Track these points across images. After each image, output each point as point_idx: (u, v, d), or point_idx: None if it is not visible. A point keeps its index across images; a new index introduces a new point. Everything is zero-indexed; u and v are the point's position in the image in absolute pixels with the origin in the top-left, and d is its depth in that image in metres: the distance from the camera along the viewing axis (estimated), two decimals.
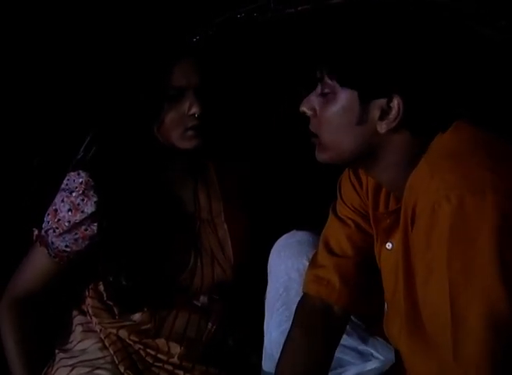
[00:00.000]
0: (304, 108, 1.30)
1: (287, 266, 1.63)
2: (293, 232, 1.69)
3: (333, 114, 1.25)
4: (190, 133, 1.60)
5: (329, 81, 1.25)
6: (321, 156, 1.30)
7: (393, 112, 1.21)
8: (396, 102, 1.20)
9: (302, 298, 1.51)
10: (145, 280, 1.66)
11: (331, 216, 1.53)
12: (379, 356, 1.53)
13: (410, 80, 1.20)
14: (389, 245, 1.36)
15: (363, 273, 1.48)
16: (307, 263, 1.56)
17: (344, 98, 1.24)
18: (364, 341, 1.55)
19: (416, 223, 1.18)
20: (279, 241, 1.69)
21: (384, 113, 1.22)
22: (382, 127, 1.22)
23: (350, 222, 1.49)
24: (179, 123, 1.59)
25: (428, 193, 1.13)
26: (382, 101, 1.21)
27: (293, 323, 1.48)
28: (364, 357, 1.54)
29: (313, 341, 1.45)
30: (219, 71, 1.70)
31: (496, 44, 1.66)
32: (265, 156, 1.87)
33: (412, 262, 1.23)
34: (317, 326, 1.46)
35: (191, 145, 1.61)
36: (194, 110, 1.58)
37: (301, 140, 1.67)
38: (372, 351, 1.54)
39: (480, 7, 1.64)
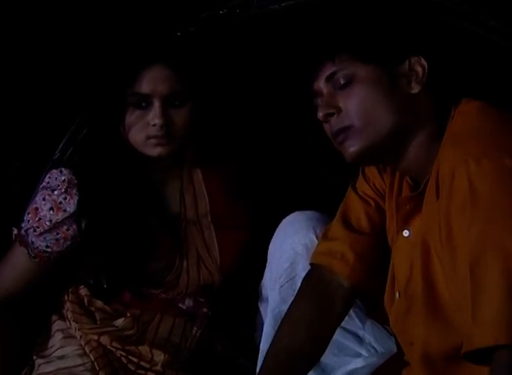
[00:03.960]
0: (326, 111, 1.30)
1: (293, 241, 1.58)
2: (299, 212, 1.64)
3: (366, 94, 1.27)
4: (151, 141, 1.57)
5: (347, 65, 1.27)
6: (358, 145, 1.28)
7: (418, 71, 1.27)
8: (416, 62, 1.27)
9: (310, 269, 1.48)
10: (127, 282, 1.64)
11: (350, 193, 1.52)
12: (377, 346, 1.51)
13: (423, 38, 1.30)
14: (406, 232, 1.34)
15: (377, 253, 1.47)
16: (315, 239, 1.54)
17: (371, 73, 1.27)
18: (365, 327, 1.53)
19: (440, 193, 1.18)
20: (284, 219, 1.65)
21: (409, 77, 1.27)
22: (415, 87, 1.27)
23: (370, 200, 1.48)
24: (141, 130, 1.57)
25: (448, 160, 1.16)
26: (405, 67, 1.28)
27: (298, 292, 1.46)
28: (362, 344, 1.52)
29: (317, 311, 1.43)
30: (201, 72, 1.66)
31: (489, 45, 1.66)
32: (252, 155, 1.85)
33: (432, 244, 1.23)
34: (324, 297, 1.44)
35: (154, 153, 1.58)
36: (156, 121, 1.55)
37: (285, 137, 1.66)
38: (371, 339, 1.52)
39: (471, 7, 1.64)
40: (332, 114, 1.29)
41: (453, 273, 1.17)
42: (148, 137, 1.56)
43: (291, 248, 1.58)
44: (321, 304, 1.43)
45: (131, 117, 1.57)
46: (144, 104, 1.55)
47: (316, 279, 1.46)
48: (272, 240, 1.65)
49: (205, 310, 1.76)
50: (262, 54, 1.88)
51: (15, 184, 1.81)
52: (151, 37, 1.66)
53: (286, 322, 1.43)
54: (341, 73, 1.28)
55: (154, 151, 1.57)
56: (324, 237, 1.50)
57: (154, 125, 1.55)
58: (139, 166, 1.62)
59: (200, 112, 1.62)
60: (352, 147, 1.29)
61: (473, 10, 1.64)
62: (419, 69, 1.27)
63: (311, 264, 1.49)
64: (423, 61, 1.27)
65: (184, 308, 1.74)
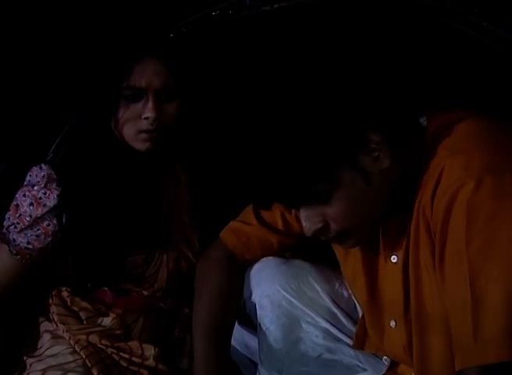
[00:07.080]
0: (314, 228, 1.25)
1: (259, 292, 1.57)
2: (266, 259, 1.59)
3: (347, 201, 1.22)
4: (142, 135, 1.58)
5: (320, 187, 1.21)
6: (359, 239, 1.29)
7: (379, 144, 1.20)
8: (374, 137, 1.20)
9: (218, 242, 1.57)
10: (107, 276, 1.65)
11: None
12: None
13: (374, 113, 1.22)
14: (394, 258, 1.34)
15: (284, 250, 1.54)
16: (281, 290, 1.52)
17: (345, 178, 1.21)
18: (357, 357, 1.51)
19: (435, 206, 1.17)
20: (255, 266, 1.59)
21: (372, 152, 1.21)
22: (384, 162, 1.21)
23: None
24: (132, 124, 1.57)
25: (448, 173, 1.15)
26: (364, 151, 1.21)
27: (215, 263, 1.55)
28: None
29: (236, 284, 1.54)
30: (192, 70, 1.66)
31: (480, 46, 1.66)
32: (239, 152, 1.84)
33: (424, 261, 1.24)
34: (237, 271, 1.54)
35: (143, 147, 1.59)
36: (148, 114, 1.55)
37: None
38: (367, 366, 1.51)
39: (463, 8, 1.63)
40: (321, 228, 1.26)
41: (440, 291, 1.18)
42: (139, 131, 1.57)
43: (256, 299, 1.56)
44: (236, 278, 1.52)
45: (123, 111, 1.57)
46: (137, 97, 1.56)
47: (227, 254, 1.55)
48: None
49: (187, 310, 1.75)
50: (254, 54, 1.88)
51: (4, 185, 1.82)
52: (145, 32, 1.67)
53: (219, 295, 1.50)
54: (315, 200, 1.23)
55: (144, 145, 1.58)
56: (239, 217, 1.56)
57: (147, 118, 1.55)
58: (120, 159, 1.63)
59: (186, 107, 1.63)
60: (353, 242, 1.29)
61: (464, 11, 1.64)
62: (379, 142, 1.21)
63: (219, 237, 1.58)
64: (378, 134, 1.20)
65: (166, 307, 1.74)
